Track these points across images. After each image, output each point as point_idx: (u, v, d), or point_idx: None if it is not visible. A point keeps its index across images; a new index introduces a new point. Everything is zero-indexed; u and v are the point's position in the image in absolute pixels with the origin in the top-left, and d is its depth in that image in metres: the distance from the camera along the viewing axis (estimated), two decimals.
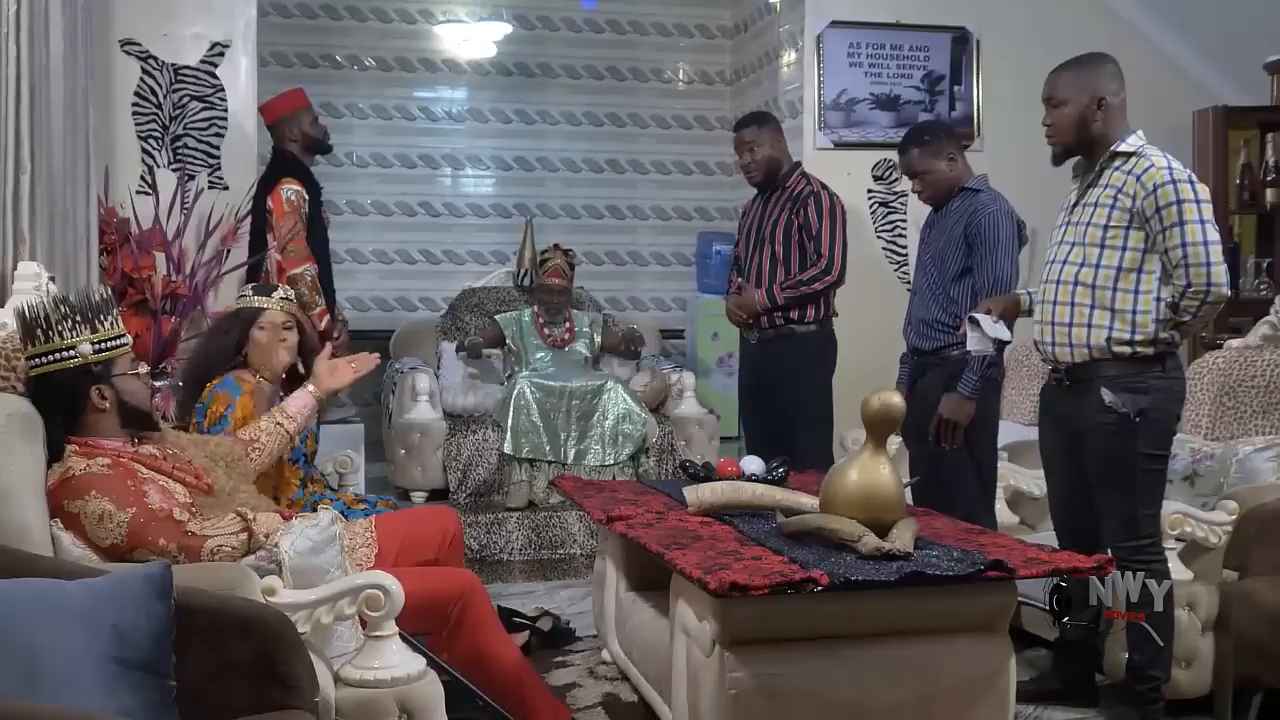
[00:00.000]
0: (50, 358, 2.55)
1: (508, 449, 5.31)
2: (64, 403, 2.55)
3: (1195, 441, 3.75)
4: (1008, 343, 3.48)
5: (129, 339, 2.66)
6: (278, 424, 3.07)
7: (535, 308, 5.89)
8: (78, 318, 2.55)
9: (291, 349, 3.36)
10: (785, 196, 4.49)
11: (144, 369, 2.70)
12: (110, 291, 2.70)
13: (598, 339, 5.97)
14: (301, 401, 3.16)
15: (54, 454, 2.52)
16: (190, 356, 3.65)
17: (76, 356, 2.54)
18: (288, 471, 3.29)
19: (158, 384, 3.72)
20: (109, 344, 2.58)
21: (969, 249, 3.78)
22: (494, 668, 2.91)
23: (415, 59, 6.90)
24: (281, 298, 3.39)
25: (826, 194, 4.45)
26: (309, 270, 4.62)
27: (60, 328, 2.54)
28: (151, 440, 2.69)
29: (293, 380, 3.39)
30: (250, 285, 3.62)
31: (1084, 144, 3.17)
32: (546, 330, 5.84)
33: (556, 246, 5.91)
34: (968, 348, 3.47)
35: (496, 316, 5.97)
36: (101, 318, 2.58)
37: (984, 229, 3.75)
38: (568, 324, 5.90)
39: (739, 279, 4.56)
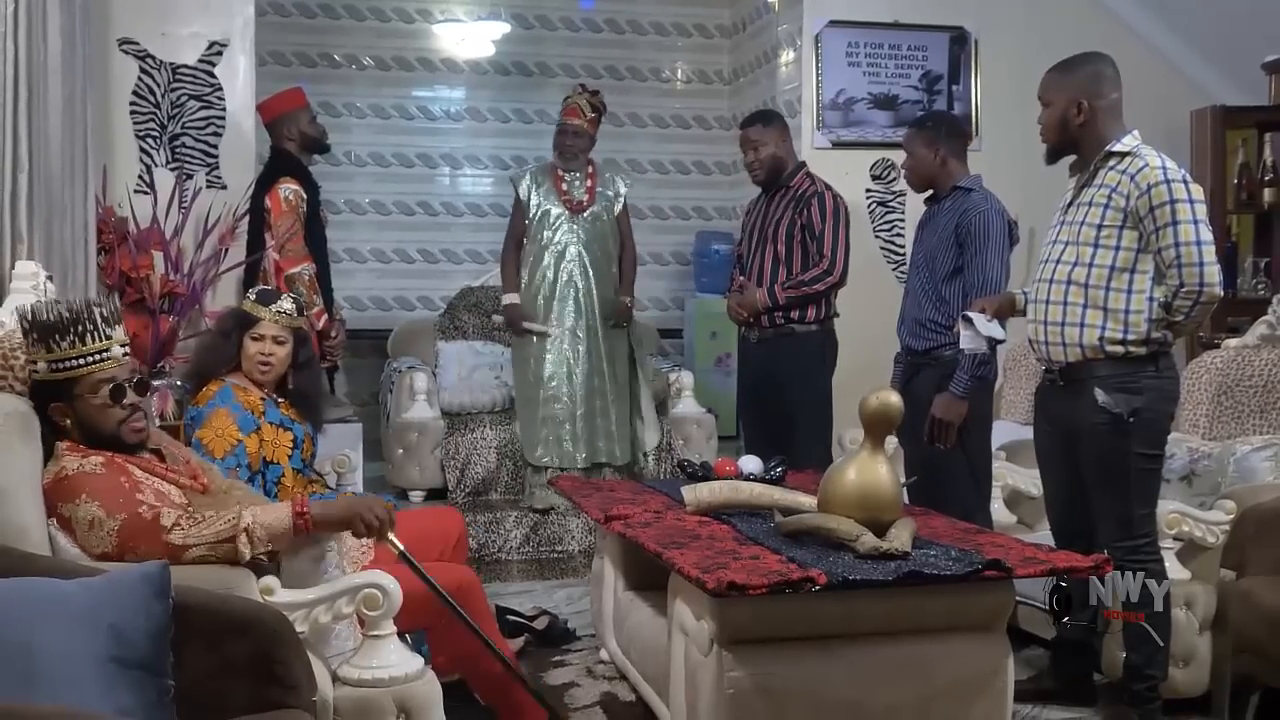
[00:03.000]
0: (29, 366, 2.54)
1: (533, 458, 5.21)
2: (39, 411, 2.53)
3: (1193, 441, 3.76)
4: (1001, 341, 3.48)
5: (96, 357, 2.49)
6: (233, 525, 2.43)
7: (554, 157, 5.41)
8: (35, 335, 2.48)
9: (282, 361, 3.35)
10: (789, 196, 4.48)
11: (104, 391, 2.49)
12: (83, 306, 2.52)
13: (618, 207, 5.39)
14: (276, 516, 2.49)
15: (45, 452, 2.51)
16: (193, 354, 3.63)
17: (39, 373, 2.51)
18: (295, 488, 3.28)
19: (156, 383, 3.72)
20: (64, 364, 2.48)
21: (960, 248, 3.80)
22: (486, 664, 2.91)
23: (413, 58, 6.89)
24: (278, 310, 3.35)
25: (830, 194, 4.45)
26: (307, 269, 4.61)
27: (27, 341, 2.52)
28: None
29: (284, 390, 3.38)
30: (255, 289, 3.57)
31: (1067, 144, 3.21)
32: (564, 185, 5.32)
33: (584, 88, 5.46)
34: (961, 346, 3.47)
35: (512, 177, 5.56)
36: (56, 338, 2.47)
37: (975, 228, 3.76)
38: (589, 181, 5.35)
39: (740, 278, 4.55)
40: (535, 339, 5.27)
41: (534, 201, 5.32)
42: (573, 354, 5.26)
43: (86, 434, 2.52)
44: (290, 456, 3.29)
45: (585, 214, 5.32)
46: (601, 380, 5.28)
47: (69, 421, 2.51)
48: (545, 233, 5.29)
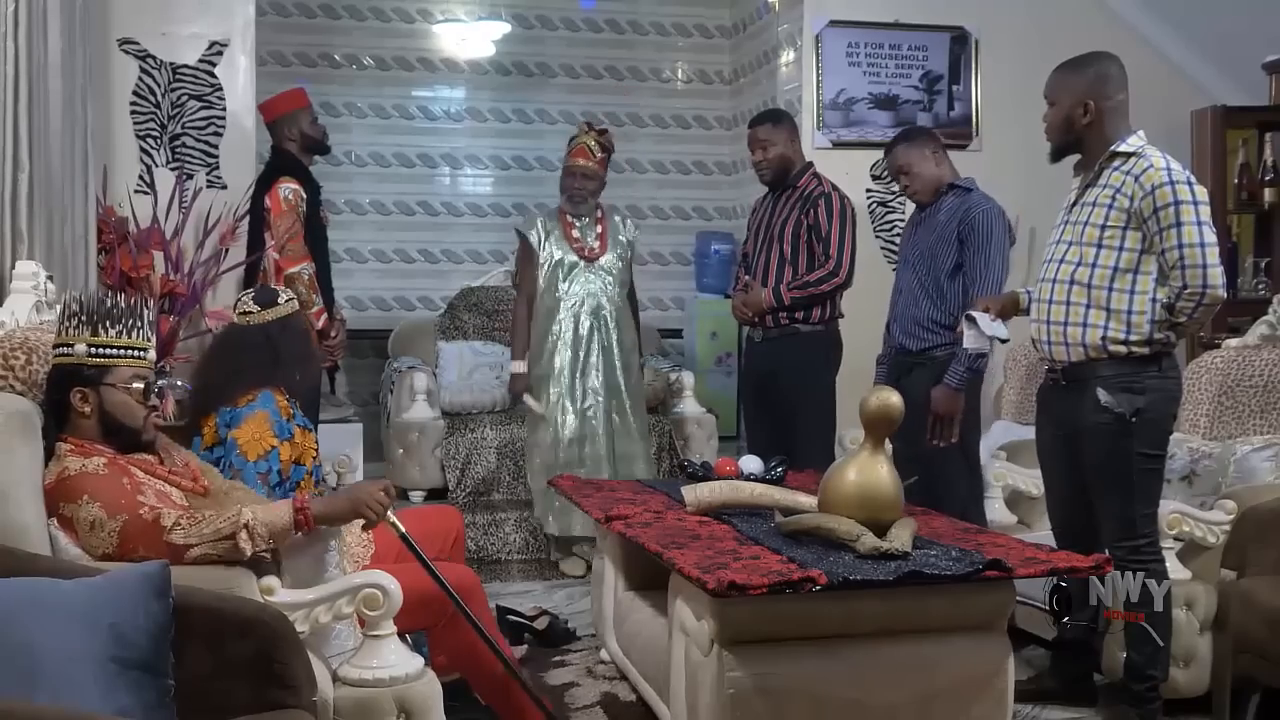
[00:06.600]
0: (57, 350, 2.57)
1: (548, 527, 4.87)
2: (53, 398, 2.55)
3: (1193, 441, 3.76)
4: (1005, 341, 3.48)
5: (138, 353, 2.58)
6: (233, 522, 2.41)
7: (562, 201, 4.96)
8: (83, 317, 2.54)
9: None
10: (796, 196, 4.47)
11: (137, 386, 2.56)
12: (137, 303, 2.61)
13: (630, 254, 5.02)
14: (277, 513, 2.49)
15: (47, 452, 2.51)
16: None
17: (72, 355, 2.54)
18: (305, 489, 3.25)
19: (160, 383, 3.69)
20: (106, 350, 2.53)
21: (961, 246, 3.80)
22: (486, 664, 2.91)
23: (414, 58, 6.90)
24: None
25: (837, 195, 4.44)
26: (306, 269, 4.60)
27: (69, 323, 2.55)
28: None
29: None
30: (251, 292, 3.47)
31: (1072, 144, 3.21)
32: (575, 232, 4.89)
33: (590, 126, 4.99)
34: (965, 345, 3.47)
35: (518, 228, 5.08)
36: (107, 324, 2.53)
37: (978, 226, 3.77)
38: (599, 227, 4.94)
39: (746, 277, 4.54)
40: (550, 400, 4.83)
41: (545, 250, 4.88)
42: (593, 416, 4.83)
43: (105, 423, 2.54)
44: (314, 456, 3.26)
45: (600, 262, 4.90)
46: (623, 442, 4.87)
47: (88, 409, 2.53)
48: (561, 284, 4.85)
